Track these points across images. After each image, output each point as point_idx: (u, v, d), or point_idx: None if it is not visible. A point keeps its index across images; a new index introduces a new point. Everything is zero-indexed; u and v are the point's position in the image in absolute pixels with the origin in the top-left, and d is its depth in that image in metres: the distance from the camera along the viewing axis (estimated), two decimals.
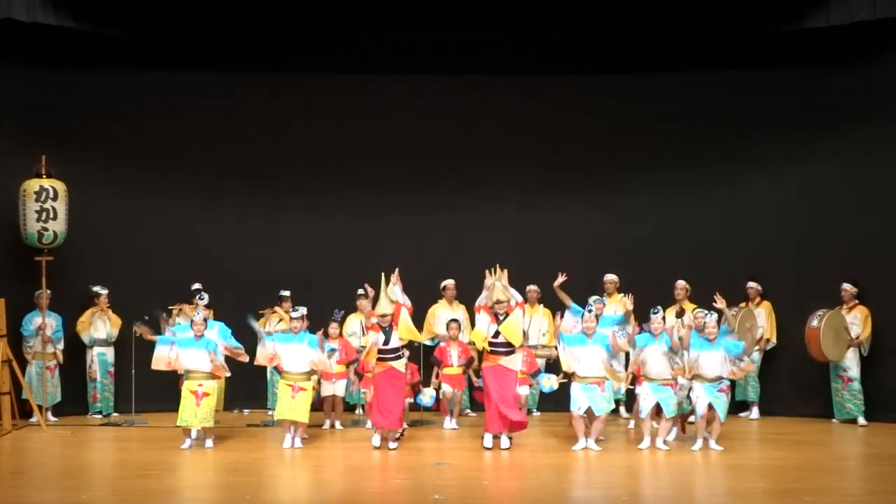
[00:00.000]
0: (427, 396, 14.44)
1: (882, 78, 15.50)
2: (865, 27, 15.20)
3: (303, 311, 14.17)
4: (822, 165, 16.04)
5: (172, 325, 14.45)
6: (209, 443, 13.77)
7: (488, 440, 13.49)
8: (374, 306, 13.87)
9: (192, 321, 14.11)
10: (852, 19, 15.05)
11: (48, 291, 15.44)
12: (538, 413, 15.63)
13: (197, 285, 15.95)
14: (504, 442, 13.55)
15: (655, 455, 13.14)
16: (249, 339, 14.30)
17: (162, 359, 13.88)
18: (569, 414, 13.75)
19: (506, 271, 13.73)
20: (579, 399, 13.41)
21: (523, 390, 14.59)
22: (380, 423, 13.53)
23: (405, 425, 14.22)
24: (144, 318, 14.96)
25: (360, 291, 15.09)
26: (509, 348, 13.57)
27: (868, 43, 15.49)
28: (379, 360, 13.59)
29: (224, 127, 16.67)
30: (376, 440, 13.60)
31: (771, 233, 16.29)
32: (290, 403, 13.68)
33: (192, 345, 13.80)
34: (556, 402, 15.29)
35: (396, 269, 14.03)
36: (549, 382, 14.23)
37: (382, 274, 13.75)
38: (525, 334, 14.46)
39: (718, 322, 13.55)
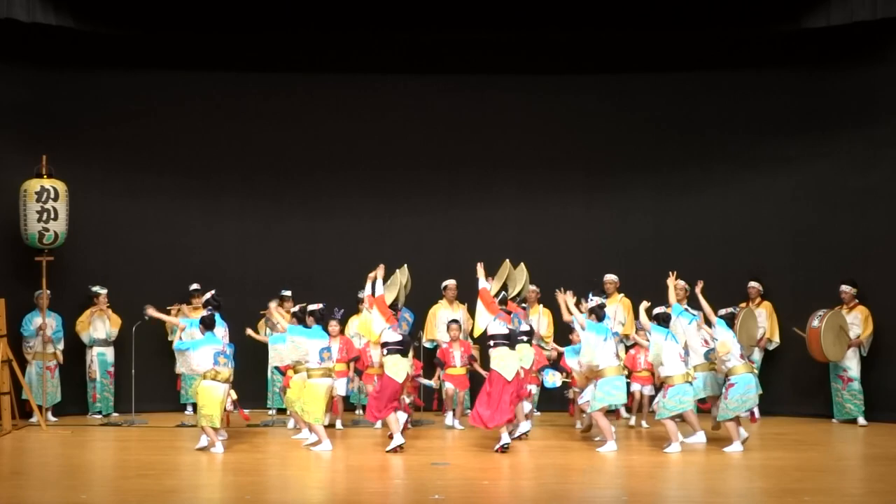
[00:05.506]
0: (551, 377, 14.20)
1: (882, 78, 15.50)
2: (865, 27, 15.20)
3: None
4: (822, 165, 16.04)
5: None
6: (221, 442, 13.65)
7: (506, 437, 13.25)
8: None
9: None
10: (852, 19, 15.06)
11: (48, 291, 15.44)
12: (538, 413, 15.62)
13: (195, 285, 15.97)
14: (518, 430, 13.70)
15: (655, 455, 13.14)
16: (248, 343, 14.29)
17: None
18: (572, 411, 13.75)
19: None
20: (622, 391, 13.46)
21: (531, 387, 14.57)
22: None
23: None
24: (145, 318, 14.98)
25: (360, 295, 15.08)
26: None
27: (868, 43, 15.49)
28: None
29: (224, 127, 16.68)
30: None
31: (771, 233, 16.29)
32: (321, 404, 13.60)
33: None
34: (559, 401, 15.33)
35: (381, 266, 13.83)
36: (553, 378, 14.19)
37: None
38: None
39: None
